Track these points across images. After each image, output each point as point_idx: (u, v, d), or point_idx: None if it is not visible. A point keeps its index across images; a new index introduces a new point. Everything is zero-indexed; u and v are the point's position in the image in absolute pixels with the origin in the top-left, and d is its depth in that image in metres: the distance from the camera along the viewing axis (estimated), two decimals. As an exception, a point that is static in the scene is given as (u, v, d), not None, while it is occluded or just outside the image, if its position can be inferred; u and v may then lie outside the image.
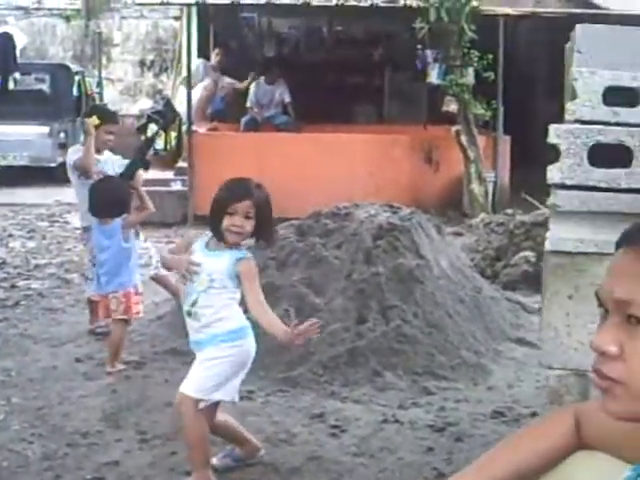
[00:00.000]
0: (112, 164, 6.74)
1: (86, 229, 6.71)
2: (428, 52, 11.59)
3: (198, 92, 13.46)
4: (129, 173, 6.29)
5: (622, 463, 1.61)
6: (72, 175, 6.67)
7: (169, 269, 4.25)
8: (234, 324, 4.03)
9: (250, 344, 4.07)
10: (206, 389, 3.97)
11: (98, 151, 6.62)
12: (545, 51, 14.33)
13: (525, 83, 14.95)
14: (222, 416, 4.22)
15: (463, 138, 11.47)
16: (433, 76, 11.64)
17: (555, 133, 3.62)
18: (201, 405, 3.99)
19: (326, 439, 4.64)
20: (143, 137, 7.43)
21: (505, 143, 12.31)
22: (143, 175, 6.45)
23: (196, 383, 3.98)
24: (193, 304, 4.01)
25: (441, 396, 5.27)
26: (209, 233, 4.08)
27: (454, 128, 11.55)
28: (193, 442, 4.02)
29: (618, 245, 1.53)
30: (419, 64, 12.09)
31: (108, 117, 6.82)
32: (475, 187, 11.58)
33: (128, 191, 6.03)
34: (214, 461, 4.18)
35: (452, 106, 11.45)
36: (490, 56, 11.29)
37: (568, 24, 4.24)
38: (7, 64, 16.06)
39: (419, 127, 13.34)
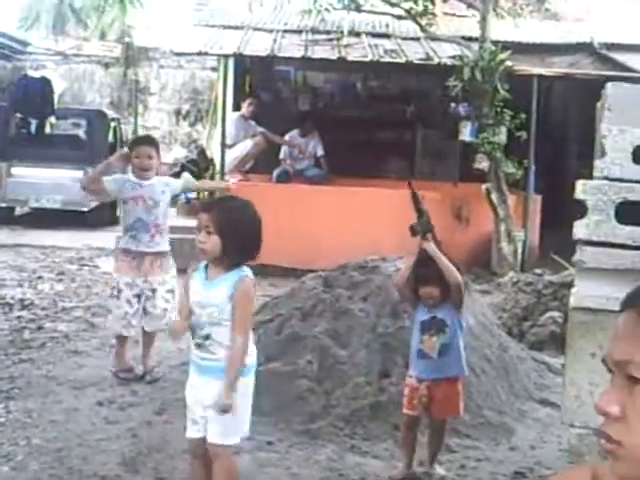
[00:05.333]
0: (164, 187, 6.71)
1: (126, 251, 6.66)
2: (460, 109, 11.64)
3: (245, 146, 13.42)
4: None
5: None
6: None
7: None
8: (248, 360, 3.96)
9: (253, 379, 4.03)
10: (235, 432, 3.95)
11: (141, 177, 6.65)
12: (578, 112, 14.37)
13: (557, 143, 14.97)
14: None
15: (494, 196, 11.46)
16: (465, 134, 11.69)
17: (582, 189, 3.61)
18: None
19: (344, 493, 4.60)
20: None
21: (536, 202, 12.29)
22: None
23: (225, 429, 3.92)
24: (206, 337, 3.92)
25: (462, 454, 5.21)
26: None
27: (485, 186, 11.55)
28: None
29: (621, 308, 1.52)
30: (451, 121, 12.15)
31: (133, 143, 7.02)
32: (504, 245, 11.54)
33: None
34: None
35: (483, 164, 11.46)
36: (523, 115, 11.33)
37: (601, 86, 4.25)
38: (44, 108, 16.30)
39: (449, 184, 13.35)
